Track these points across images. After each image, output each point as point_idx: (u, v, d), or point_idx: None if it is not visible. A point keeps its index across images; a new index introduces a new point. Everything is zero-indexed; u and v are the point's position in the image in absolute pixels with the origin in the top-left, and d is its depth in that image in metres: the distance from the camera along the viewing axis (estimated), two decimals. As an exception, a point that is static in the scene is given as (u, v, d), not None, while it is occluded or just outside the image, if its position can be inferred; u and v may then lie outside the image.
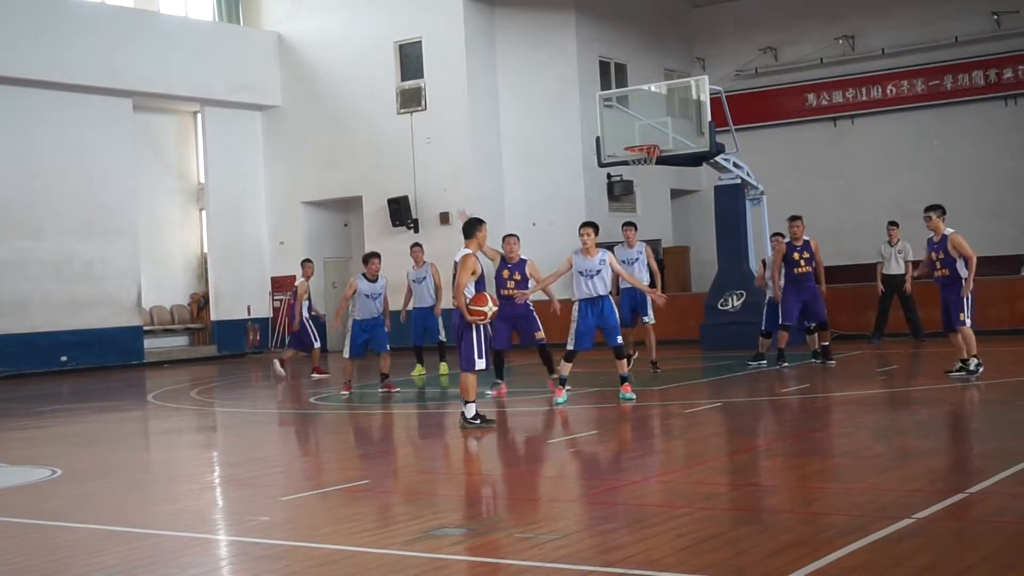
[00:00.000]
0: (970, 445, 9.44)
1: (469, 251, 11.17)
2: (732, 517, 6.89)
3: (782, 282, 15.97)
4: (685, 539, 6.12)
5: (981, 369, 13.06)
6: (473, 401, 11.14)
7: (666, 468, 8.97)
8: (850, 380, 14.57)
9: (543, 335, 14.10)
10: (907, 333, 19.54)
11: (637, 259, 15.86)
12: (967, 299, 13.04)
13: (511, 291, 13.91)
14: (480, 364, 11.12)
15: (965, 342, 13.11)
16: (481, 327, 11.12)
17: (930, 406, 11.79)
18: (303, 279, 19.17)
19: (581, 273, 12.76)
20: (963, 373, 13.03)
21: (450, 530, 6.68)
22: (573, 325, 12.87)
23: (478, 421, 11.10)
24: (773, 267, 16.10)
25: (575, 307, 12.89)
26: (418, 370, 18.08)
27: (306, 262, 19.65)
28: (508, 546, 6.26)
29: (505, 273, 14.12)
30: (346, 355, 15.41)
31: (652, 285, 15.72)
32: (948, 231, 13.13)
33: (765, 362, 16.23)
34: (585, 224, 13.06)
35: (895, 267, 19.45)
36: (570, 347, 12.85)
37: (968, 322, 13.03)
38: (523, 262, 14.20)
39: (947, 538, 5.94)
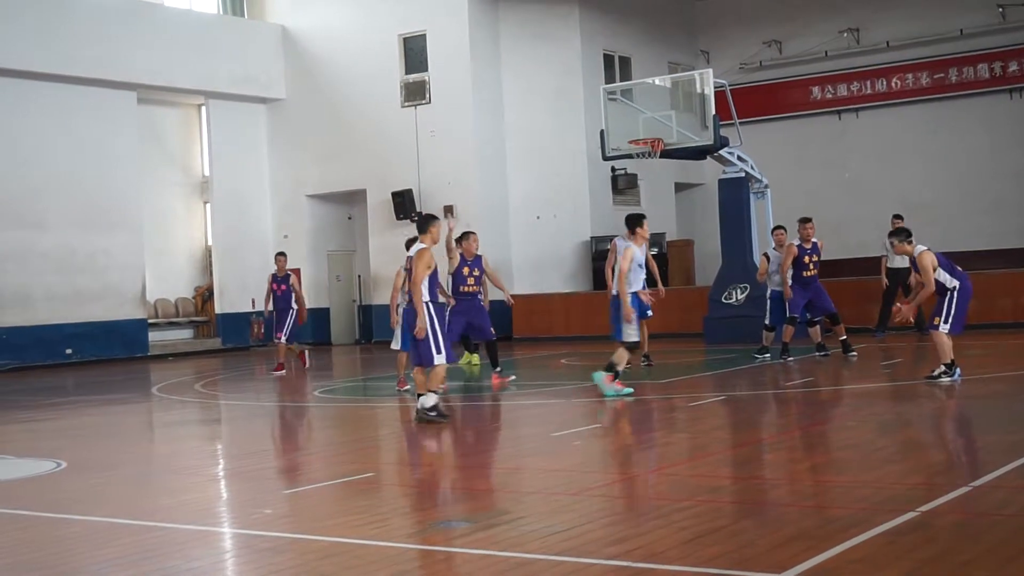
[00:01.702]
0: (974, 438, 9.42)
1: (424, 246, 11.17)
2: (736, 510, 6.90)
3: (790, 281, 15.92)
4: (688, 532, 6.12)
5: (947, 379, 12.27)
6: (437, 392, 11.23)
7: (670, 461, 8.97)
8: (854, 373, 14.56)
9: (493, 331, 15.15)
10: (911, 327, 19.49)
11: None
12: (951, 304, 12.28)
13: (471, 288, 14.81)
14: (440, 359, 11.14)
15: (937, 347, 12.42)
16: (436, 323, 11.11)
17: (934, 399, 11.78)
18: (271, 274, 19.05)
19: (640, 265, 12.81)
20: (949, 379, 12.34)
21: (454, 523, 6.68)
22: (634, 316, 12.66)
23: (435, 415, 11.12)
24: (782, 269, 16.00)
25: (629, 298, 12.60)
26: (466, 358, 18.00)
27: (279, 255, 19.29)
28: (512, 539, 6.26)
29: (465, 270, 14.82)
30: (395, 346, 14.27)
31: (651, 279, 15.87)
32: (919, 249, 12.48)
33: (769, 355, 16.24)
34: (643, 216, 12.99)
35: (899, 261, 19.39)
36: (635, 339, 12.84)
37: (945, 328, 12.26)
38: (479, 259, 14.94)
39: (950, 531, 5.94)
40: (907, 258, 19.11)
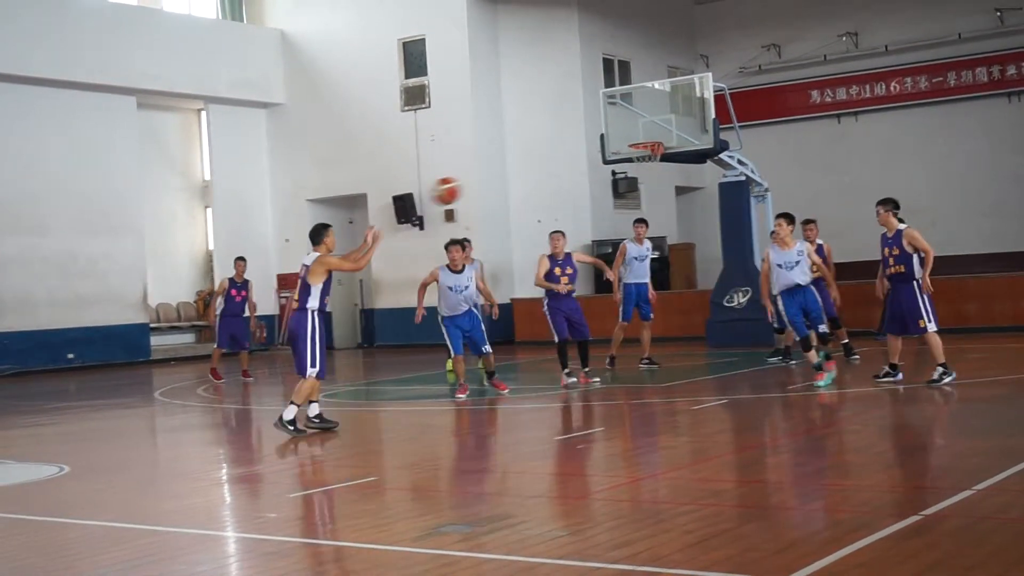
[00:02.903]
0: (976, 442, 9.41)
1: (319, 254, 11.18)
2: (739, 514, 6.89)
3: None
4: (692, 536, 6.11)
5: (947, 379, 12.31)
6: (299, 405, 11.11)
7: (673, 465, 8.96)
8: (856, 377, 14.54)
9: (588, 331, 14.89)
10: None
11: (647, 255, 16.38)
12: (924, 300, 12.36)
13: (565, 286, 14.63)
14: (312, 372, 11.07)
15: (931, 350, 12.48)
16: (317, 333, 11.04)
17: (936, 403, 11.77)
18: (227, 278, 18.92)
19: (780, 266, 13.44)
20: (890, 378, 12.60)
21: (458, 527, 6.67)
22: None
23: (292, 428, 11.06)
24: None
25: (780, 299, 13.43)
26: (450, 365, 17.95)
27: (239, 260, 19.18)
28: (515, 543, 6.25)
29: (557, 270, 14.69)
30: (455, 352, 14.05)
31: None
32: (902, 226, 12.55)
33: (781, 358, 16.19)
34: (779, 216, 13.78)
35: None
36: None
37: (932, 327, 12.34)
38: (569, 256, 14.81)
39: (954, 535, 5.94)
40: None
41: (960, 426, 10.45)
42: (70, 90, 24.34)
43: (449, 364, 17.88)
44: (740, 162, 20.25)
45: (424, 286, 14.16)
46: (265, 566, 6.20)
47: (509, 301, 24.99)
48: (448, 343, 14.00)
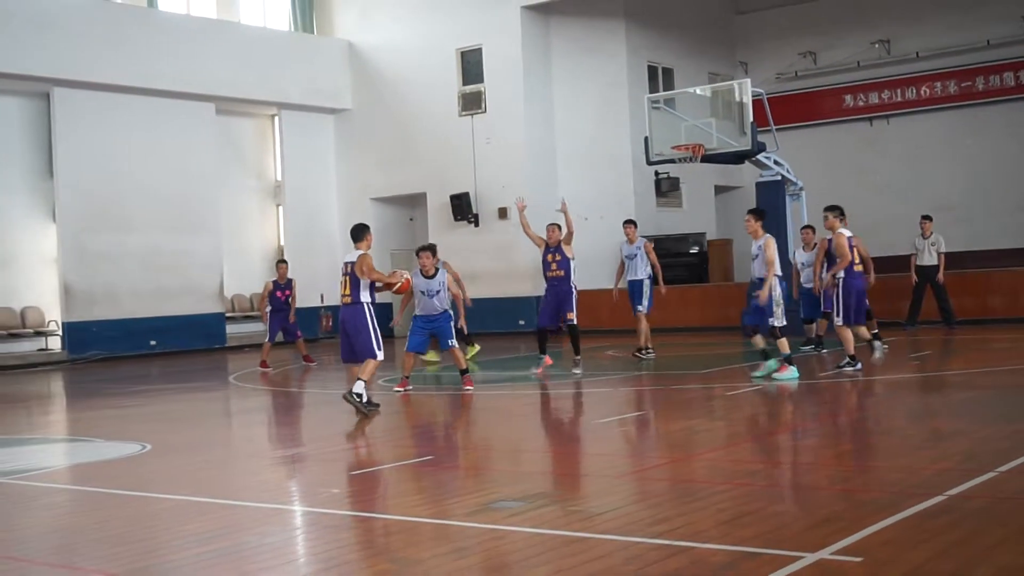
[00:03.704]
0: (1000, 427, 9.27)
1: (362, 252, 11.45)
2: (771, 493, 6.85)
3: (824, 275, 15.75)
4: (727, 513, 6.09)
5: (850, 368, 12.85)
6: (366, 381, 11.24)
7: (709, 447, 8.92)
8: (885, 365, 14.38)
9: (573, 316, 14.67)
10: (939, 320, 19.28)
11: (636, 254, 16.46)
12: (838, 296, 12.91)
13: (554, 272, 14.63)
14: (380, 355, 11.26)
15: (842, 342, 13.05)
16: (376, 322, 11.26)
17: (961, 389, 11.62)
18: (271, 280, 19.45)
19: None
20: (852, 368, 12.78)
21: (508, 503, 6.69)
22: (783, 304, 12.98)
23: (362, 400, 11.16)
24: (816, 261, 15.85)
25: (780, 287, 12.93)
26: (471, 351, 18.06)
27: (280, 263, 19.74)
28: (561, 518, 6.26)
29: (549, 257, 14.76)
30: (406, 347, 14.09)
31: (654, 278, 16.44)
32: (841, 231, 13.06)
33: (812, 347, 16.09)
34: (748, 211, 13.35)
35: (928, 258, 19.20)
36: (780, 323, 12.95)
37: (838, 321, 12.98)
38: (559, 246, 14.74)
39: (977, 515, 5.86)
40: (935, 255, 19.07)
41: (984, 412, 10.28)
42: (155, 97, 24.69)
43: (471, 350, 17.96)
44: (776, 163, 20.07)
45: (408, 294, 13.92)
46: (329, 538, 6.26)
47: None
48: (408, 336, 13.88)
